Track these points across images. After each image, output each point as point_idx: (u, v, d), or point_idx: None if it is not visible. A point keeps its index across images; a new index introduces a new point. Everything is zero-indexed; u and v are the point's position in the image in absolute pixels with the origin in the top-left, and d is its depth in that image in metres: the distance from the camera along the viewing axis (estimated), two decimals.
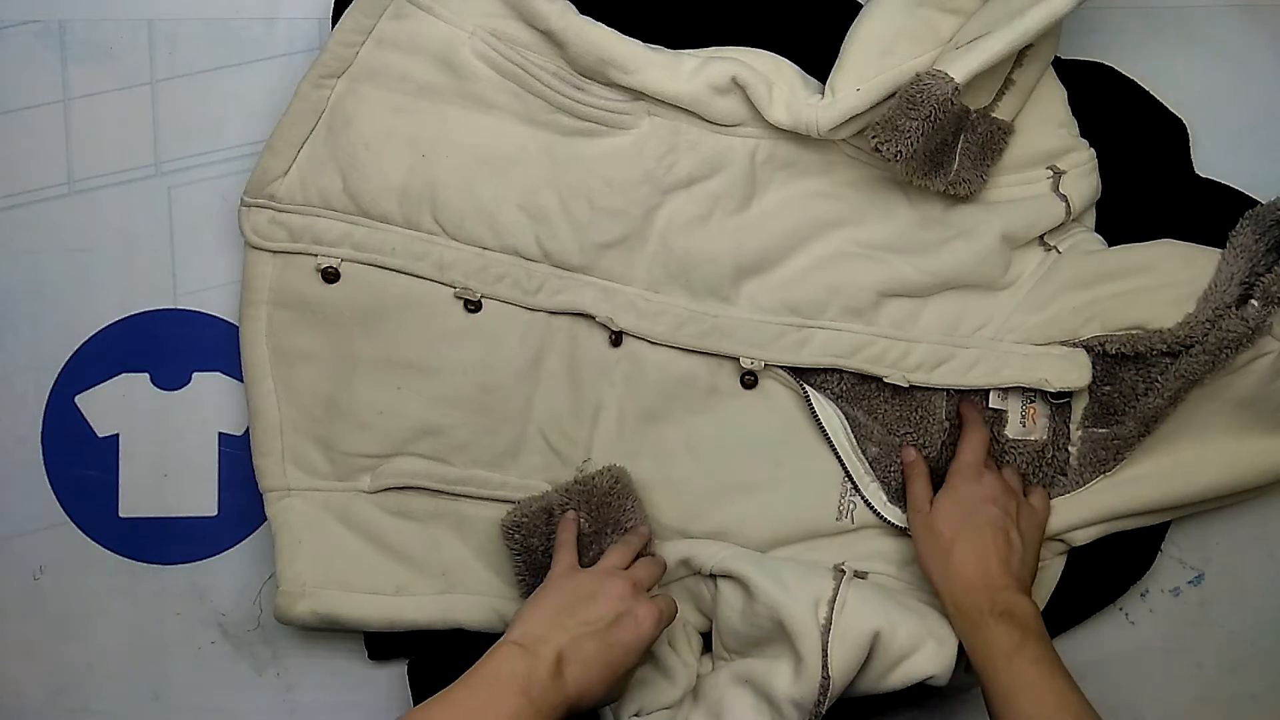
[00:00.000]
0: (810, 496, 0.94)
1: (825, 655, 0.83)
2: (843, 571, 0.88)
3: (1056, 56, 0.94)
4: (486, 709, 0.75)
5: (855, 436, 0.93)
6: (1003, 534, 0.88)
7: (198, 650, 0.98)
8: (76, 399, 0.98)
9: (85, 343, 0.98)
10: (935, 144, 0.88)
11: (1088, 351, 0.92)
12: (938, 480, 0.94)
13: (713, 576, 0.90)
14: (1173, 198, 0.96)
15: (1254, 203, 0.94)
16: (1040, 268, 0.95)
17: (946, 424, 0.95)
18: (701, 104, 0.92)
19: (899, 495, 0.94)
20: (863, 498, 0.93)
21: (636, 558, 0.89)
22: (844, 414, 0.94)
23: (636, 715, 0.86)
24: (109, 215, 0.98)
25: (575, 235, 0.92)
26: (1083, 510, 0.92)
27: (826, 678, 0.83)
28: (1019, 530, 0.89)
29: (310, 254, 0.93)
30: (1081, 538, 0.93)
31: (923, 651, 0.85)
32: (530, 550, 0.90)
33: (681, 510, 0.94)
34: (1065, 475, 0.94)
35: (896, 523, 0.93)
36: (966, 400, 0.94)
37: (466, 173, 0.92)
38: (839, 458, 0.93)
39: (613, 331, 0.93)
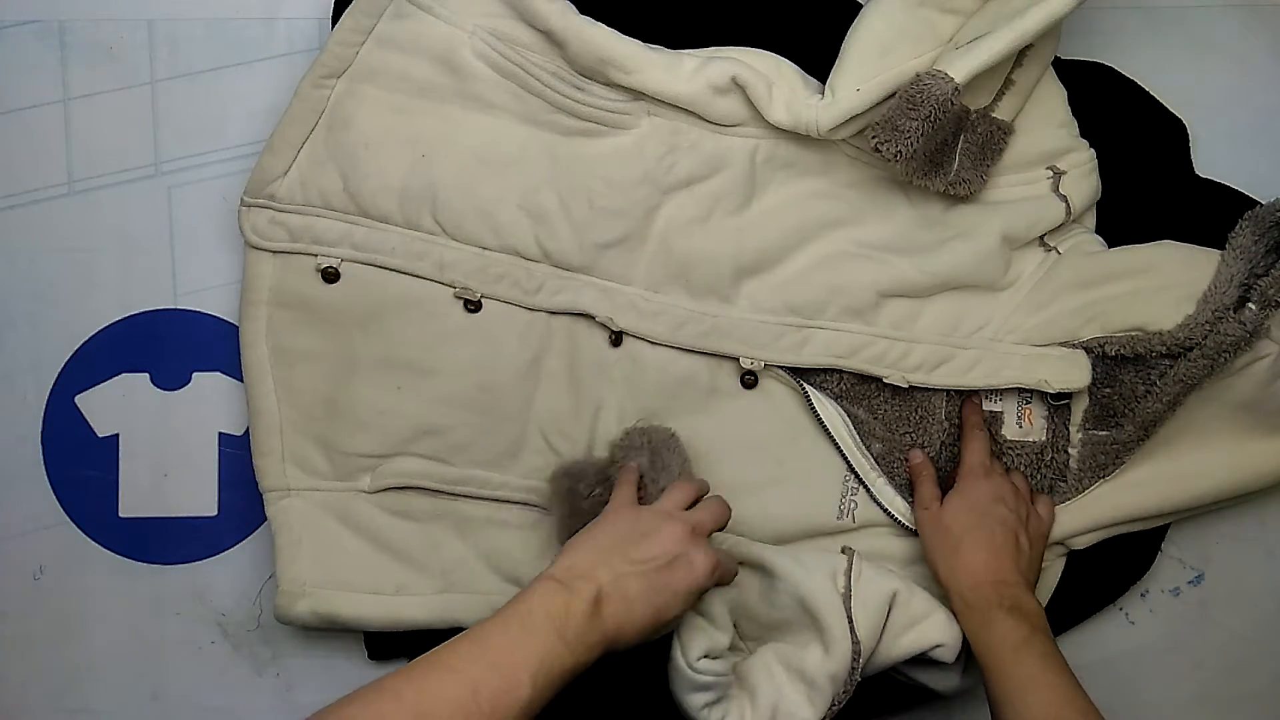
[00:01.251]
0: (811, 496, 0.94)
1: (851, 622, 0.84)
2: (853, 549, 0.89)
3: (1056, 56, 0.94)
4: (517, 647, 0.73)
5: (859, 434, 0.93)
6: (1012, 534, 0.88)
7: (198, 650, 0.98)
8: (76, 399, 0.98)
9: (85, 343, 0.98)
10: (935, 144, 0.88)
11: (1087, 353, 0.92)
12: (939, 481, 0.94)
13: None
14: (1173, 198, 0.96)
15: (1254, 203, 0.94)
16: (1040, 268, 0.95)
17: (946, 424, 0.95)
18: (701, 104, 0.91)
19: (905, 490, 0.94)
20: (869, 493, 0.93)
21: (695, 503, 0.86)
22: (845, 412, 0.94)
23: (705, 657, 0.84)
24: (109, 215, 0.98)
25: (575, 235, 0.92)
26: (1084, 517, 0.92)
27: (856, 642, 0.84)
28: (1027, 534, 0.89)
29: (310, 254, 0.93)
30: (1082, 543, 0.94)
31: (934, 619, 0.86)
32: (575, 496, 0.89)
33: None
34: (1065, 480, 0.94)
35: (903, 518, 0.92)
36: (969, 402, 0.94)
37: (466, 173, 0.92)
38: (843, 455, 0.93)
39: (613, 331, 0.93)
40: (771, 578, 0.88)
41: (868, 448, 0.94)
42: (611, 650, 0.77)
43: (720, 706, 0.84)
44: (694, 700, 0.83)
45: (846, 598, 0.85)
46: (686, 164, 0.93)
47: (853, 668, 0.84)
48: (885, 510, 0.93)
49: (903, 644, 0.86)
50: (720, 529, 0.85)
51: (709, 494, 0.87)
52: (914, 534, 0.94)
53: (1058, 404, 0.94)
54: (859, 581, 0.86)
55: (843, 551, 0.90)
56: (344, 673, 0.98)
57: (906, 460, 0.94)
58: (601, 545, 0.79)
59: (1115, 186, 0.95)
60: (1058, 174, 0.94)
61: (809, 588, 0.85)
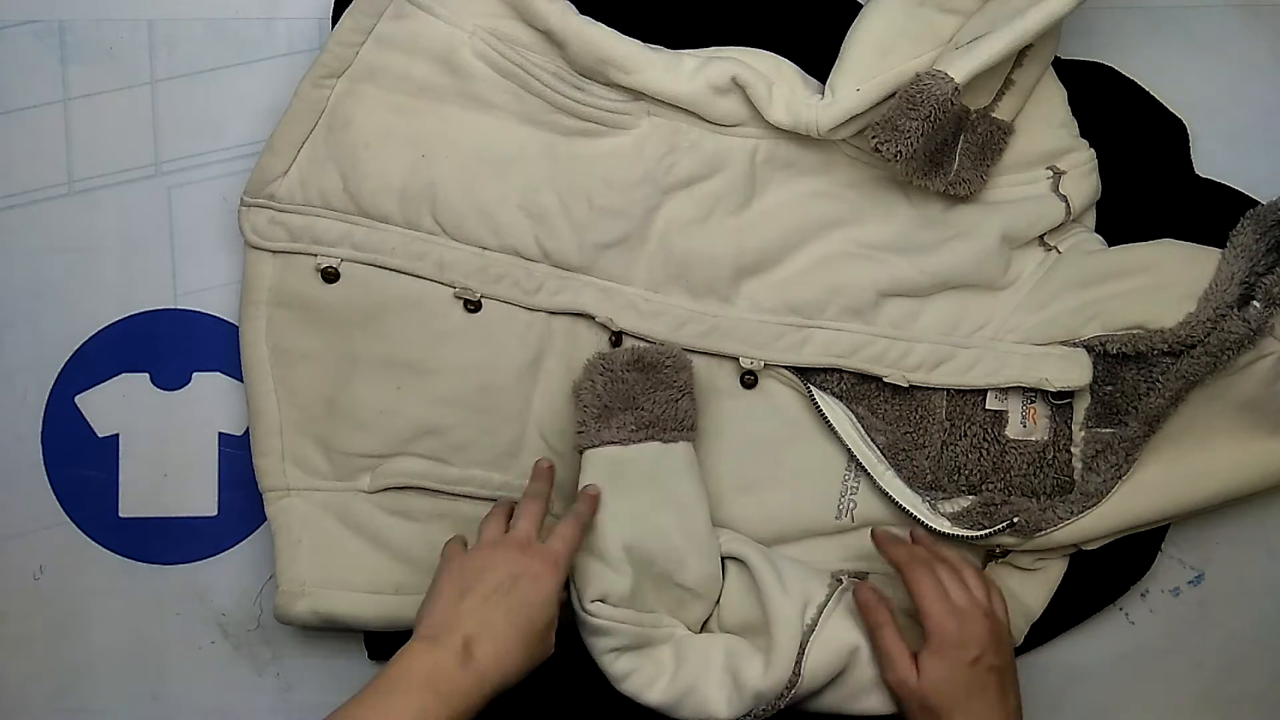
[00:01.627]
0: (810, 495, 0.94)
1: (801, 655, 0.84)
2: (840, 581, 0.88)
3: (1056, 56, 0.94)
4: (391, 711, 0.75)
5: (863, 428, 0.93)
6: (999, 688, 0.81)
7: (198, 650, 0.98)
8: (76, 399, 0.98)
9: (85, 343, 0.98)
10: (935, 144, 0.88)
11: (1088, 351, 0.92)
12: (936, 482, 0.94)
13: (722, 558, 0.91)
14: (1173, 198, 0.96)
15: (1254, 203, 0.94)
16: (1040, 268, 0.95)
17: (947, 424, 0.95)
18: (701, 104, 0.92)
19: (913, 483, 0.93)
20: (874, 489, 0.93)
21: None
22: (848, 409, 0.94)
23: (601, 601, 0.86)
24: (109, 215, 0.98)
25: (575, 235, 0.92)
26: (1105, 522, 0.91)
27: (797, 675, 0.84)
28: (1010, 667, 0.83)
29: (310, 254, 0.93)
30: (1093, 545, 0.93)
31: (879, 696, 0.85)
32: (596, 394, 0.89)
33: None
34: (1074, 481, 0.93)
35: (914, 510, 0.91)
36: (880, 531, 0.89)
37: (466, 173, 0.92)
38: (847, 453, 0.93)
39: (613, 332, 0.93)
40: (751, 581, 0.88)
41: (872, 440, 0.93)
42: (504, 687, 0.78)
43: (631, 658, 0.86)
44: (595, 644, 0.85)
45: (809, 631, 0.85)
46: (686, 164, 0.93)
47: (781, 694, 0.84)
48: (894, 504, 0.92)
49: (861, 704, 0.86)
50: (580, 527, 0.85)
51: (581, 495, 0.87)
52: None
53: (1059, 403, 0.94)
54: (829, 620, 0.85)
55: (835, 577, 0.89)
56: (344, 673, 0.98)
57: (856, 593, 0.86)
58: (449, 595, 0.80)
59: (1115, 186, 0.96)
60: (1058, 174, 0.94)
61: (777, 607, 0.85)
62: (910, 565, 0.84)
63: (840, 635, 0.85)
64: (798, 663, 0.84)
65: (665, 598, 0.88)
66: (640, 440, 0.88)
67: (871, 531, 0.89)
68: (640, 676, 0.85)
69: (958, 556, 0.87)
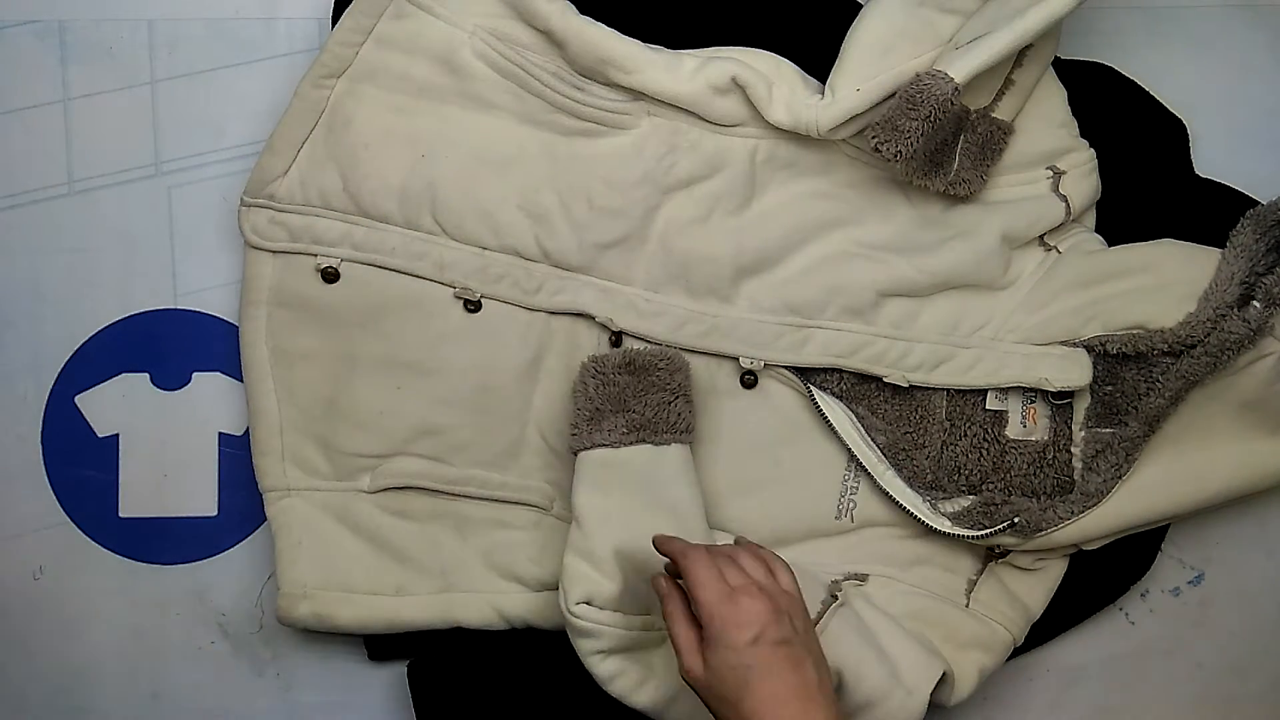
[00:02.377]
0: (809, 496, 0.94)
1: None
2: (835, 598, 0.88)
3: (1056, 56, 0.94)
4: None
5: (863, 428, 0.93)
6: (790, 661, 0.76)
7: (198, 650, 0.98)
8: (76, 399, 0.98)
9: (85, 343, 0.98)
10: (935, 144, 0.88)
11: (1088, 351, 0.92)
12: (937, 482, 0.94)
13: None
14: (1173, 198, 0.96)
15: (1254, 203, 0.94)
16: (1040, 268, 0.95)
17: (947, 424, 0.95)
18: (701, 104, 0.92)
19: (914, 482, 0.93)
20: (875, 489, 0.93)
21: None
22: (848, 409, 0.94)
23: (587, 603, 0.85)
24: (109, 215, 0.98)
25: (575, 235, 0.92)
26: (1105, 522, 0.91)
27: None
28: (800, 636, 0.78)
29: (310, 254, 0.93)
30: (1093, 545, 0.93)
31: (888, 703, 0.85)
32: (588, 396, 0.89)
33: None
34: (1075, 481, 0.93)
35: (915, 510, 0.91)
36: (660, 537, 0.83)
37: (466, 173, 0.92)
38: (848, 452, 0.93)
39: (612, 332, 0.93)
40: None
41: (872, 439, 0.93)
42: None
43: (617, 660, 0.85)
44: (580, 645, 0.85)
45: None
46: (686, 164, 0.93)
47: None
48: (894, 504, 0.92)
49: None
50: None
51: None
52: (916, 535, 0.94)
53: (1059, 403, 0.94)
54: (820, 636, 0.84)
55: (831, 592, 0.89)
56: (344, 673, 0.98)
57: (653, 581, 0.83)
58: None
59: (1115, 186, 0.95)
60: (1058, 174, 0.94)
61: None
62: (684, 554, 0.80)
63: (829, 655, 0.83)
64: None
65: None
66: (631, 443, 0.88)
67: (653, 538, 0.84)
68: (628, 679, 0.85)
69: (734, 545, 0.84)
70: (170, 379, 0.98)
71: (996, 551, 0.93)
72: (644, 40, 0.92)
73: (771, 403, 0.94)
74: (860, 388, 0.95)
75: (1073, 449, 0.93)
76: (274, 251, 0.93)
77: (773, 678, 0.75)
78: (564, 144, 0.93)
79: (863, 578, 0.92)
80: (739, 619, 0.76)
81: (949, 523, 0.91)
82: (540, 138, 0.93)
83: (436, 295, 0.93)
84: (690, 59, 0.92)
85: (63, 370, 0.98)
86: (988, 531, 0.90)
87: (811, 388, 0.93)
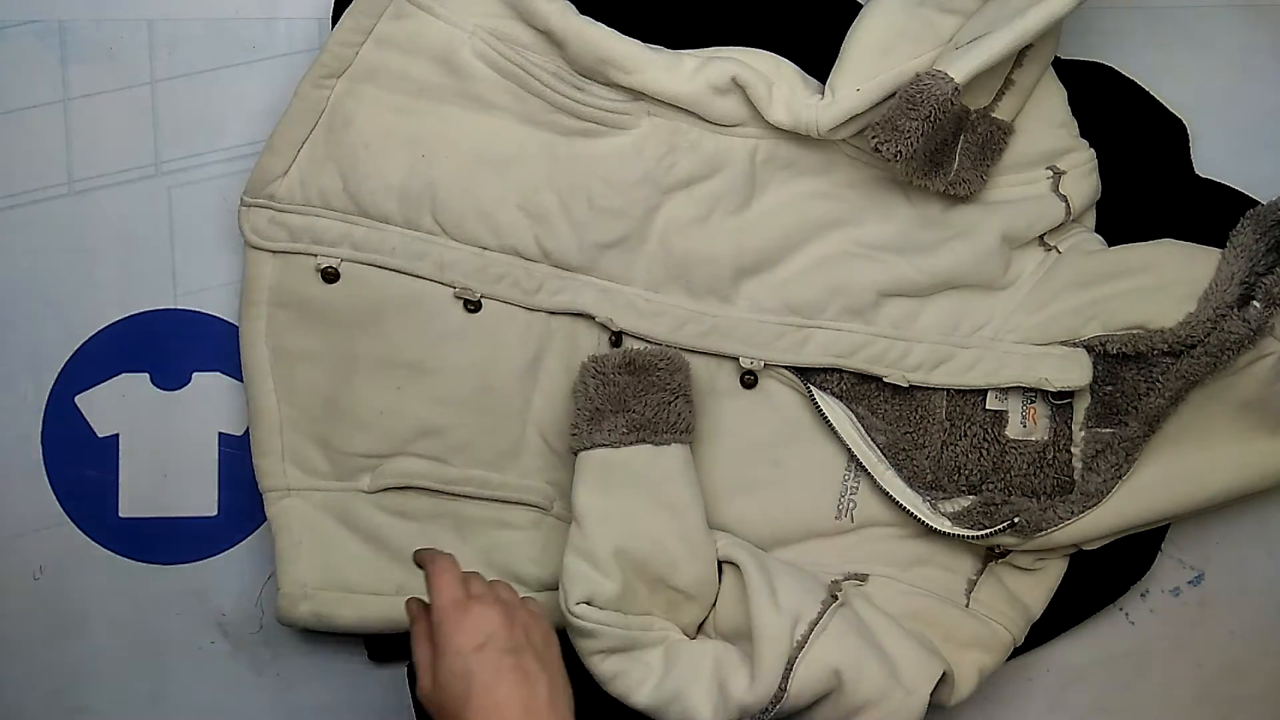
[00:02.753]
0: (809, 496, 0.94)
1: (789, 671, 0.84)
2: (834, 598, 0.88)
3: (1056, 56, 0.94)
4: None
5: (863, 428, 0.93)
6: (515, 670, 0.73)
7: (198, 650, 0.98)
8: (76, 399, 0.98)
9: (85, 343, 0.98)
10: (935, 144, 0.88)
11: (1088, 351, 0.92)
12: (937, 482, 0.94)
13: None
14: (1173, 198, 0.96)
15: (1254, 203, 0.94)
16: (1040, 268, 0.95)
17: (947, 424, 0.95)
18: (701, 104, 0.92)
19: (914, 482, 0.93)
20: (875, 489, 0.93)
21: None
22: (848, 409, 0.94)
23: (587, 603, 0.85)
24: (109, 215, 0.98)
25: (575, 235, 0.92)
26: (1106, 522, 0.91)
27: (783, 691, 0.84)
28: (534, 652, 0.75)
29: (310, 254, 0.93)
30: (1093, 545, 0.93)
31: (888, 703, 0.85)
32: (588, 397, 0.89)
33: None
34: (1074, 481, 0.93)
35: (915, 510, 0.91)
36: (419, 551, 0.84)
37: (466, 173, 0.92)
38: (848, 452, 0.93)
39: (613, 332, 0.93)
40: (745, 590, 0.87)
41: (872, 439, 0.93)
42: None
43: (618, 660, 0.86)
44: (581, 645, 0.86)
45: (799, 648, 0.84)
46: (686, 164, 0.93)
47: (766, 709, 0.84)
48: (894, 504, 0.92)
49: (832, 717, 0.86)
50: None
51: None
52: (915, 535, 0.94)
53: (1059, 403, 0.94)
54: (819, 638, 0.85)
55: (831, 593, 0.88)
56: (344, 673, 0.98)
57: (410, 602, 0.82)
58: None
59: (1115, 186, 0.95)
60: (1058, 174, 0.94)
61: (765, 623, 0.85)
62: (431, 561, 0.79)
63: (829, 655, 0.84)
64: (785, 679, 0.84)
65: (659, 599, 0.88)
66: (631, 443, 0.88)
67: (413, 553, 0.84)
68: (628, 678, 0.85)
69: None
70: (170, 379, 0.98)
71: (996, 551, 0.93)
72: (644, 40, 0.92)
73: (771, 403, 0.94)
74: (860, 388, 0.95)
75: (1073, 449, 0.93)
76: (274, 251, 0.93)
77: (497, 687, 0.72)
78: (564, 144, 0.93)
79: (863, 578, 0.92)
80: (466, 624, 0.74)
81: (949, 523, 0.91)
82: (540, 138, 0.93)
83: (436, 295, 0.93)
84: (690, 59, 0.92)
85: (63, 370, 0.98)
86: (988, 531, 0.90)
87: (811, 388, 0.93)
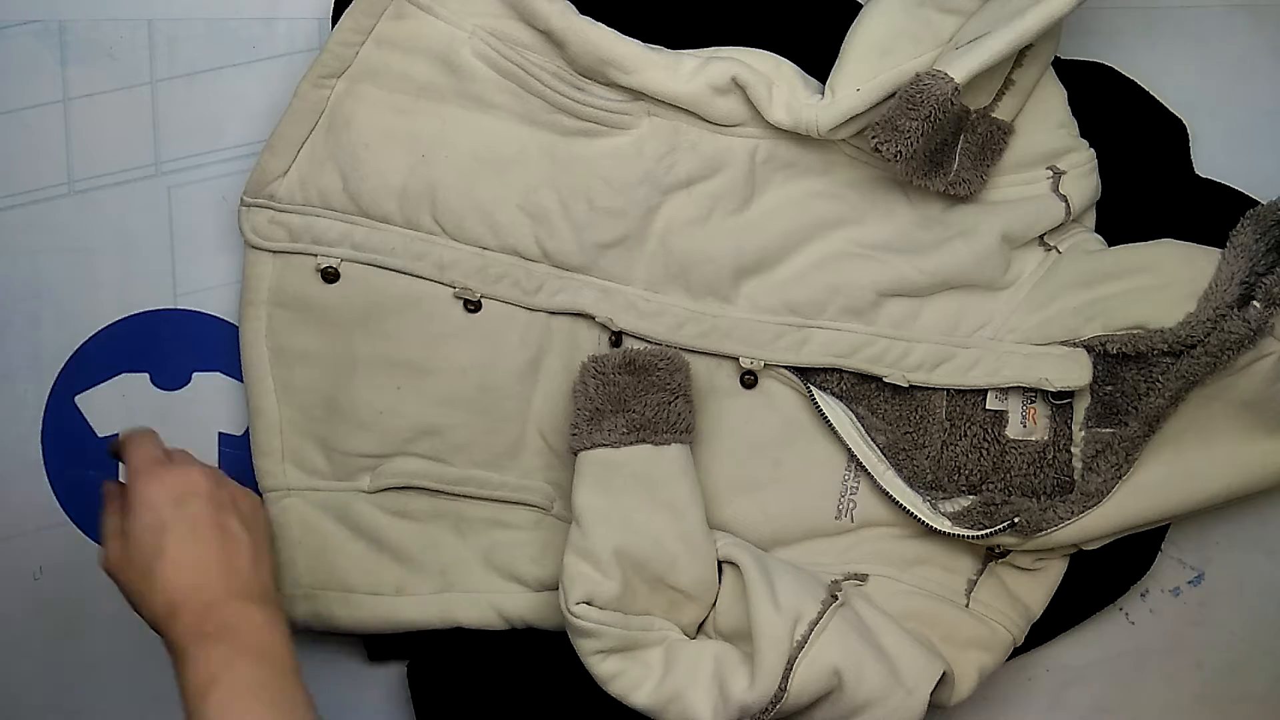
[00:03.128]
0: (809, 496, 0.94)
1: (790, 671, 0.84)
2: (835, 598, 0.88)
3: (1056, 56, 0.94)
4: None
5: (863, 428, 0.93)
6: (216, 528, 0.69)
7: None
8: (76, 399, 0.98)
9: (85, 343, 0.98)
10: (935, 144, 0.88)
11: (1089, 351, 0.92)
12: (937, 482, 0.94)
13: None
14: (1173, 198, 0.96)
15: (1254, 203, 0.94)
16: (1040, 268, 0.95)
17: (947, 424, 0.95)
18: (701, 104, 0.92)
19: (914, 483, 0.93)
20: (875, 489, 0.93)
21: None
22: (848, 409, 0.94)
23: (587, 603, 0.86)
24: (109, 215, 0.98)
25: (575, 235, 0.92)
26: (1107, 522, 0.91)
27: (783, 691, 0.84)
28: (239, 517, 0.71)
29: (310, 254, 0.93)
30: (1093, 545, 0.93)
31: (888, 703, 0.85)
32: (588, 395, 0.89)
33: None
34: (1075, 481, 0.93)
35: (916, 510, 0.91)
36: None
37: (466, 173, 0.92)
38: (848, 452, 0.93)
39: (612, 332, 0.93)
40: (744, 590, 0.87)
41: (872, 439, 0.93)
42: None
43: (618, 660, 0.86)
44: (581, 645, 0.86)
45: (799, 648, 0.84)
46: (686, 164, 0.93)
47: (766, 709, 0.84)
48: (894, 504, 0.92)
49: (833, 716, 0.85)
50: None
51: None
52: (916, 535, 0.94)
53: (1059, 403, 0.94)
54: (819, 638, 0.85)
55: (831, 592, 0.88)
56: (344, 673, 0.98)
57: (107, 483, 0.78)
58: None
59: (1115, 186, 0.95)
60: (1058, 174, 0.94)
61: (765, 624, 0.85)
62: (130, 436, 0.74)
63: (829, 655, 0.84)
64: (785, 679, 0.84)
65: (659, 599, 0.88)
66: (631, 443, 0.88)
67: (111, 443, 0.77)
68: (627, 678, 0.86)
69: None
70: (170, 379, 0.98)
71: (996, 551, 0.93)
72: (644, 40, 0.92)
73: (771, 403, 0.94)
74: (860, 388, 0.95)
75: (1073, 449, 0.93)
76: (274, 251, 0.93)
77: (194, 543, 0.66)
78: (564, 144, 0.93)
79: (863, 578, 0.92)
80: (166, 478, 0.68)
81: (949, 523, 0.91)
82: (540, 138, 0.93)
83: (436, 295, 0.93)
84: (690, 59, 0.92)
85: (63, 370, 0.98)
86: (988, 531, 0.90)
87: (811, 388, 0.93)
